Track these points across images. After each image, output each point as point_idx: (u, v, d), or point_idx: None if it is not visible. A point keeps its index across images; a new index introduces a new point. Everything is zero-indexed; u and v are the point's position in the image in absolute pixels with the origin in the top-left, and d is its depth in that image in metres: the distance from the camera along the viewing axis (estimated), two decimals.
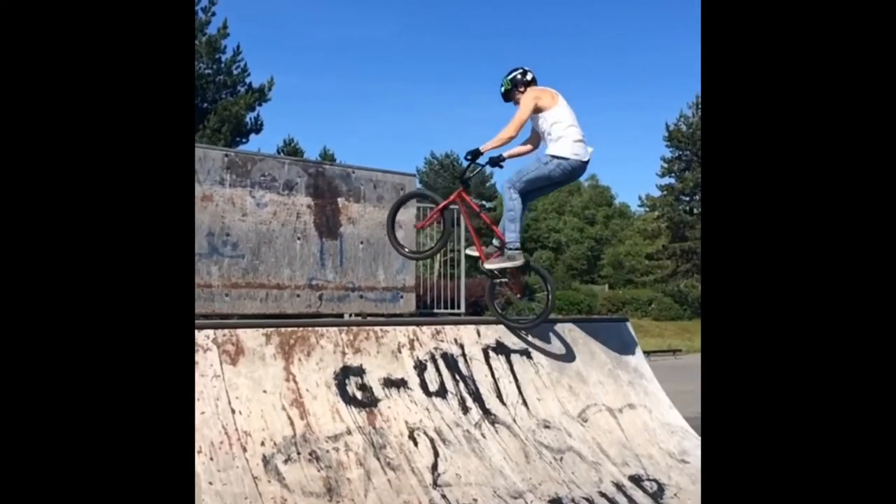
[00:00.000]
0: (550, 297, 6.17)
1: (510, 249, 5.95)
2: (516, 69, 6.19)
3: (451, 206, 6.43)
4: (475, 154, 5.88)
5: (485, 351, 5.91)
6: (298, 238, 7.25)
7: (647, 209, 52.52)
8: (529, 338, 6.29)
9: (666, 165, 47.88)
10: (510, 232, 5.95)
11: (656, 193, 49.14)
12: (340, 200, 7.51)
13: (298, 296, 7.25)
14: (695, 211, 45.41)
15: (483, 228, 7.20)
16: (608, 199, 69.18)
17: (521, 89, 6.09)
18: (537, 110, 5.94)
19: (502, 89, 6.19)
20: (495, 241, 6.23)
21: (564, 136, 5.89)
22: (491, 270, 6.06)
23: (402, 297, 7.93)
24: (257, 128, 28.99)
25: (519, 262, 5.93)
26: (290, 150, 34.32)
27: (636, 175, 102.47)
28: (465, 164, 6.03)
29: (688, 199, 47.02)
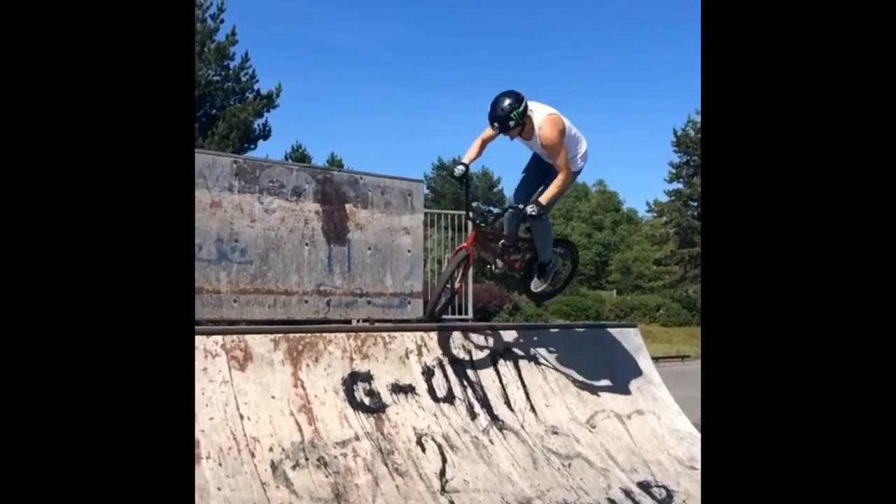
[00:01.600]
0: (573, 266, 6.97)
1: (552, 265, 6.42)
2: (522, 99, 5.50)
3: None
4: (541, 208, 5.57)
5: (492, 356, 5.90)
6: (306, 244, 7.26)
7: (655, 215, 52.38)
8: (538, 343, 6.29)
9: (674, 171, 47.81)
10: (550, 250, 6.33)
11: (664, 199, 49.08)
12: (348, 206, 7.53)
13: (306, 301, 7.26)
14: None
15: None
16: (616, 204, 69.13)
17: (524, 121, 5.54)
18: None
19: (511, 123, 5.46)
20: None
21: (582, 152, 5.99)
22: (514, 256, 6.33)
23: (409, 302, 7.93)
24: (265, 134, 29.08)
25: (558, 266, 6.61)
26: (298, 156, 34.38)
27: (644, 180, 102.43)
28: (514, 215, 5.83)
29: (696, 204, 46.88)
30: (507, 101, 5.46)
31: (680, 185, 47.82)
